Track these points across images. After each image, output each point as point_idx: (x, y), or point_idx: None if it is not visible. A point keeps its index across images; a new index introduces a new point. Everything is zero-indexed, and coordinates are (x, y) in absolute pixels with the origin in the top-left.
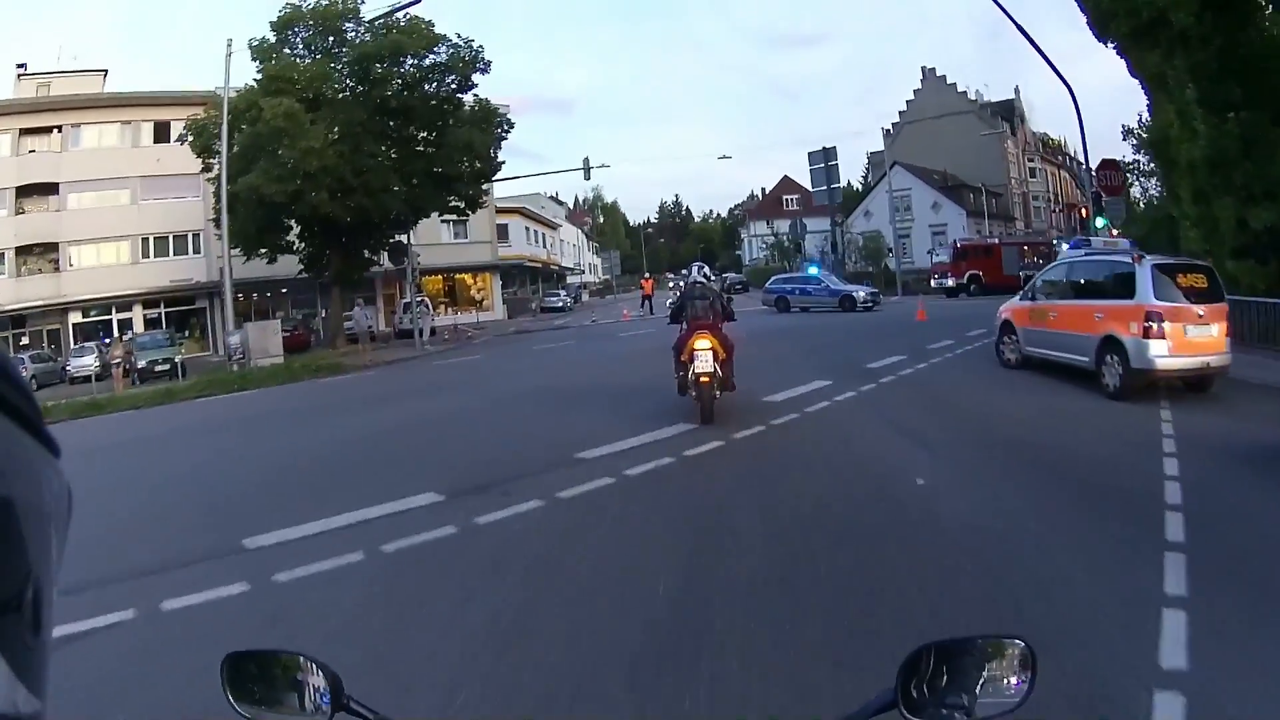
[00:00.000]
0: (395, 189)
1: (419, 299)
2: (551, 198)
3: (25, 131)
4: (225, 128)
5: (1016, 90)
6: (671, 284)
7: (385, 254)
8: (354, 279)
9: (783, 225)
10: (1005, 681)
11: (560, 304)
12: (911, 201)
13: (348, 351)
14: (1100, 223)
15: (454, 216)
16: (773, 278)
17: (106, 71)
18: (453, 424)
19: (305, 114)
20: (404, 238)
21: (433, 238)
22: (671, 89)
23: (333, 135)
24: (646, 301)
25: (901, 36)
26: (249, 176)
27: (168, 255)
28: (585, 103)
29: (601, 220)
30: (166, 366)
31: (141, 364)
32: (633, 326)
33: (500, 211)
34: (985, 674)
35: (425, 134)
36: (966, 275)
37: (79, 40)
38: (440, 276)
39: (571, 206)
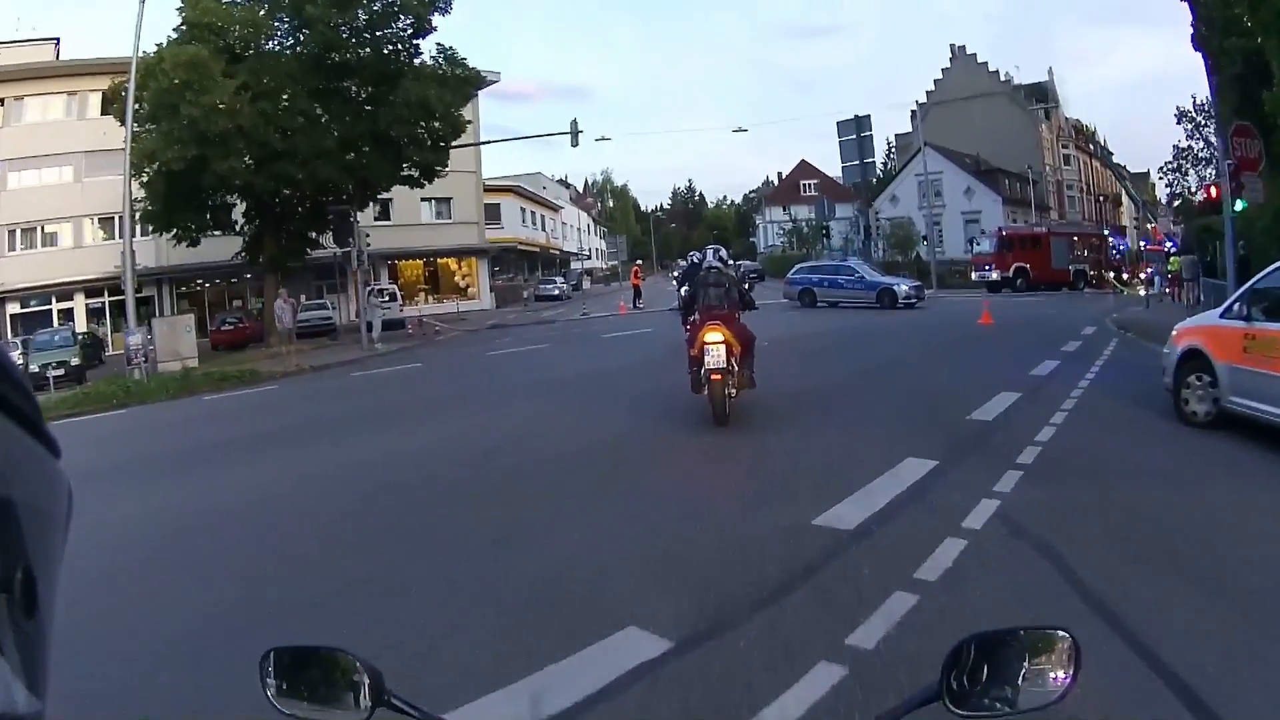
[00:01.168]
0: (333, 155)
1: (376, 288)
2: (560, 181)
3: None
4: (132, 83)
5: (1050, 72)
6: (675, 272)
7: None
8: (292, 265)
9: (801, 210)
10: (1049, 674)
11: (556, 292)
12: (943, 186)
13: (278, 353)
14: (1240, 206)
15: (407, 188)
16: (796, 267)
17: (59, 40)
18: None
19: (219, 64)
20: (357, 215)
21: (411, 218)
22: (687, 78)
23: (252, 91)
24: (635, 293)
25: (922, 22)
26: (147, 140)
27: (114, 238)
28: (601, 91)
29: (611, 205)
30: (60, 372)
31: (35, 368)
32: (626, 324)
33: (491, 190)
34: (1028, 666)
35: (371, 89)
36: (1013, 268)
37: (38, 8)
38: (421, 261)
39: (580, 190)
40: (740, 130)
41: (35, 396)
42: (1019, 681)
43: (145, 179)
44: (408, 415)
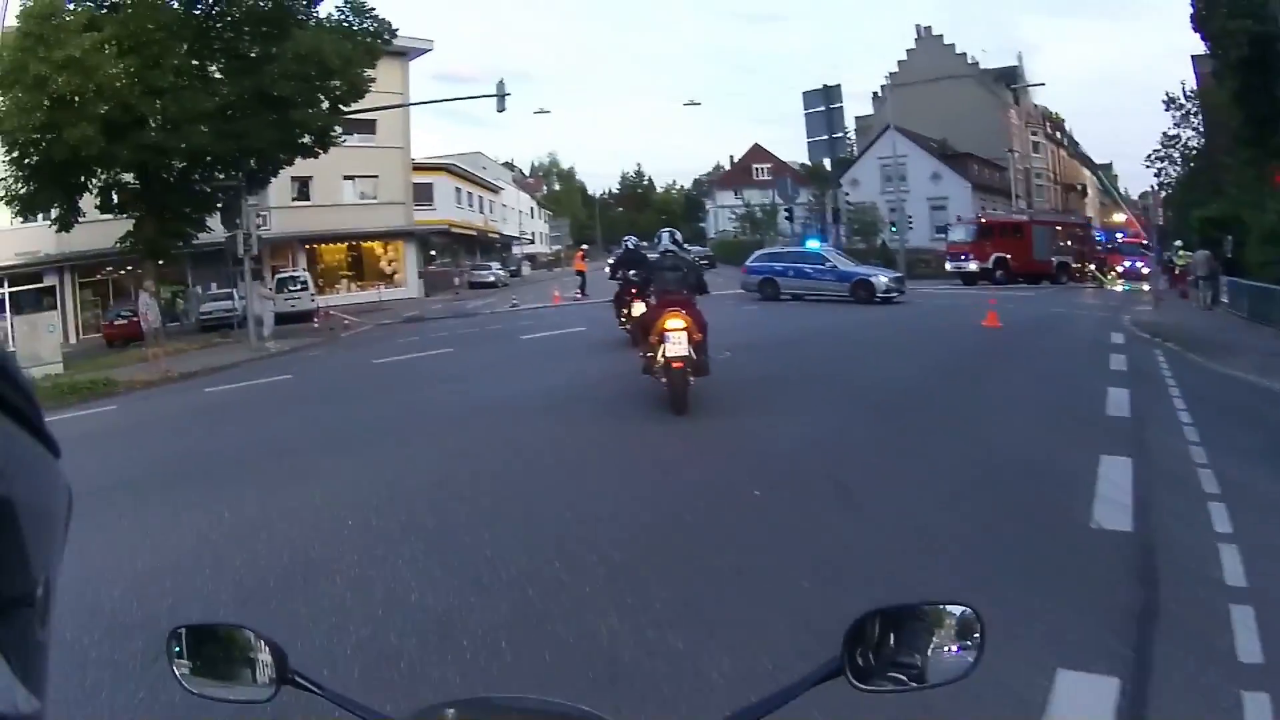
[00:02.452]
0: (210, 119)
1: (279, 277)
2: (504, 164)
3: None
4: None
5: (1019, 57)
6: (611, 258)
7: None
8: (172, 250)
9: (754, 195)
10: (954, 649)
11: (491, 279)
12: (908, 170)
13: (145, 357)
14: None
15: (301, 158)
16: (756, 254)
17: None
18: None
19: (82, 14)
20: (245, 194)
21: (332, 198)
22: (635, 59)
23: (120, 45)
24: (582, 281)
25: (880, 4)
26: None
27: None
28: (546, 74)
29: (557, 188)
30: None
31: None
32: (557, 319)
33: (422, 169)
34: (933, 641)
35: (260, 45)
36: (992, 258)
37: None
38: (344, 245)
39: (525, 174)
40: (692, 104)
41: (35, 396)
42: (926, 656)
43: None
44: (176, 483)
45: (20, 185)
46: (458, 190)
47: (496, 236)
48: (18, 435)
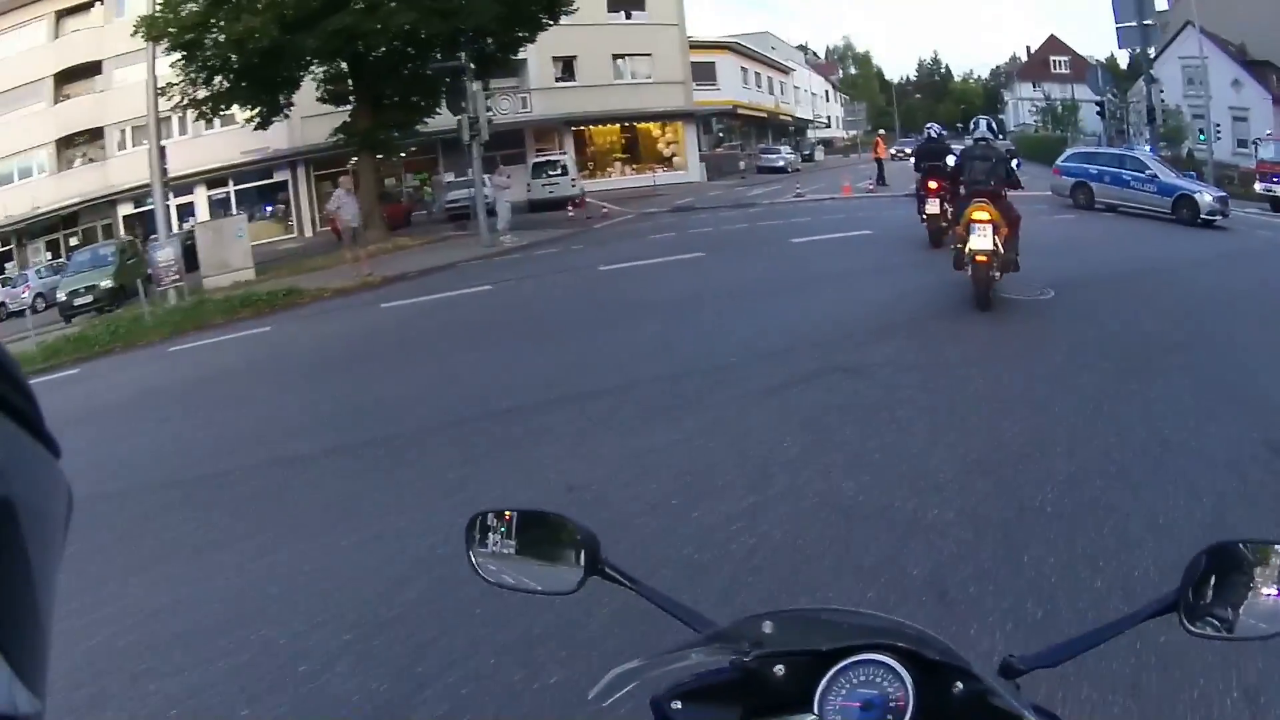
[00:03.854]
0: None
1: (538, 161)
2: (799, 47)
3: (62, 13)
4: None
5: None
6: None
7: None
8: (393, 141)
9: (1053, 89)
10: None
11: (781, 163)
12: (1207, 75)
13: (352, 258)
14: None
15: (528, 37)
16: (1068, 152)
17: None
18: None
19: None
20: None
21: (601, 78)
22: None
23: None
24: (879, 170)
25: None
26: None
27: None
28: None
29: (854, 72)
30: (89, 298)
31: (63, 296)
32: (842, 217)
33: (702, 48)
34: (1274, 585)
35: None
36: None
37: None
38: (618, 127)
39: (821, 57)
40: None
41: (35, 395)
42: (1264, 600)
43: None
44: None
45: (198, 88)
46: (744, 70)
47: (789, 119)
48: (18, 435)
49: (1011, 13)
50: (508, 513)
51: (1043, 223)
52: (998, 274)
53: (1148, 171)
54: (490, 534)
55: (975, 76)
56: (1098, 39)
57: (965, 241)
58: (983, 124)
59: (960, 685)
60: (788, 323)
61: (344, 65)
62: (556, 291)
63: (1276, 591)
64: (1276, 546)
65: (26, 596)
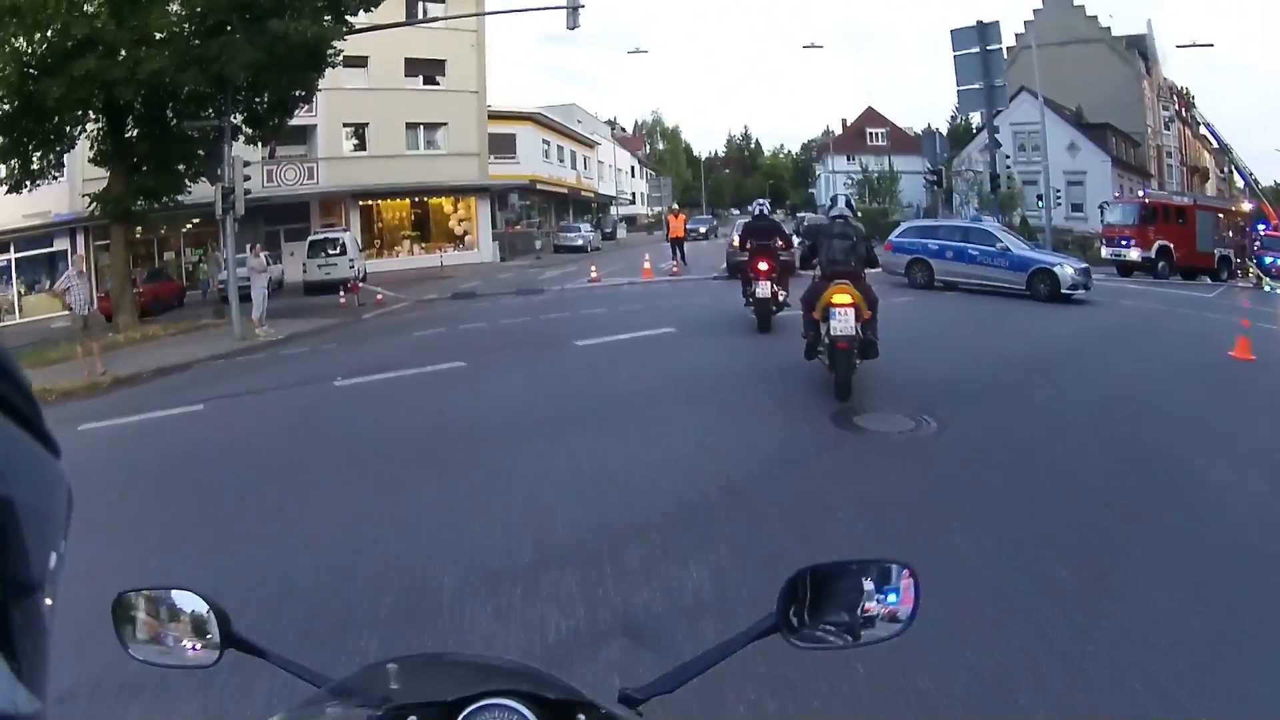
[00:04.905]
0: (174, 41)
1: (314, 237)
2: (607, 121)
3: None
4: None
5: (1149, 25)
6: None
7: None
8: (138, 213)
9: (869, 160)
10: (888, 607)
11: (580, 242)
12: (1045, 139)
13: (83, 350)
14: None
15: (296, 95)
16: (903, 226)
17: None
18: None
19: None
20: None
21: (392, 147)
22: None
23: None
24: (676, 249)
25: None
26: None
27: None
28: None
29: (661, 147)
30: None
31: None
32: (639, 308)
33: (503, 118)
34: (868, 599)
35: None
36: (1155, 246)
37: None
38: (408, 201)
39: (629, 131)
40: (813, 46)
41: (35, 395)
42: (858, 614)
43: None
44: None
45: None
46: (546, 143)
47: (591, 195)
48: (18, 435)
49: (826, 87)
50: (146, 591)
51: (881, 306)
52: (857, 360)
53: (999, 245)
54: (135, 613)
55: (786, 151)
56: (913, 113)
57: (818, 329)
58: (841, 201)
59: (583, 717)
60: (539, 497)
61: (101, 120)
62: (268, 419)
63: (859, 603)
64: (852, 565)
65: (27, 597)
